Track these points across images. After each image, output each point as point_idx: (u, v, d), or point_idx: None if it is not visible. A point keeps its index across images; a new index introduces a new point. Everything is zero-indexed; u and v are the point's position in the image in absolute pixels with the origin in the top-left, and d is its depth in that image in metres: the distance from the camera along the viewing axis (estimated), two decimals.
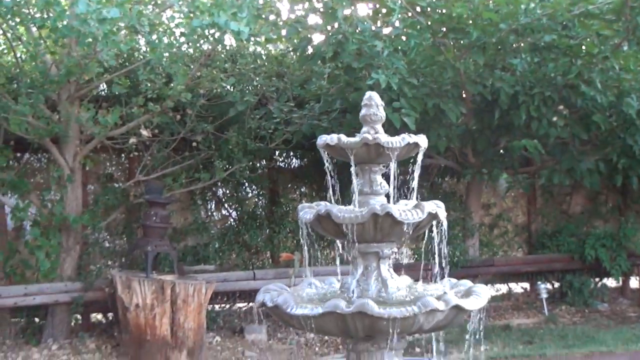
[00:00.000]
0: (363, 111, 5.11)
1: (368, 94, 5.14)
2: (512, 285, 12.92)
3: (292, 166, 12.10)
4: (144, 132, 9.39)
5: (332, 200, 4.97)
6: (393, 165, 4.89)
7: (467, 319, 4.81)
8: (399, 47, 8.91)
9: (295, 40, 9.58)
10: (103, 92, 10.16)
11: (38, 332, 9.72)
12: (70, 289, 9.54)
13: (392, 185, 5.01)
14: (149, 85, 9.37)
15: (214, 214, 11.65)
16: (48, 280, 9.47)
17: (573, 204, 13.20)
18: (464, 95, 9.73)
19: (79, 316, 10.33)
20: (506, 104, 9.32)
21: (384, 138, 4.86)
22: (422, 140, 4.95)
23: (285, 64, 10.75)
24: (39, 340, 9.56)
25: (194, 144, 10.20)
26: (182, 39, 9.08)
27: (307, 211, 4.93)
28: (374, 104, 5.08)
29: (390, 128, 8.25)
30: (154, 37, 8.48)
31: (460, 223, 11.72)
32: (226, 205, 11.58)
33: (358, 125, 5.22)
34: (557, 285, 12.60)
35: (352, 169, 4.94)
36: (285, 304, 4.57)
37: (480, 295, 4.87)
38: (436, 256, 4.97)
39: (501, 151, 10.91)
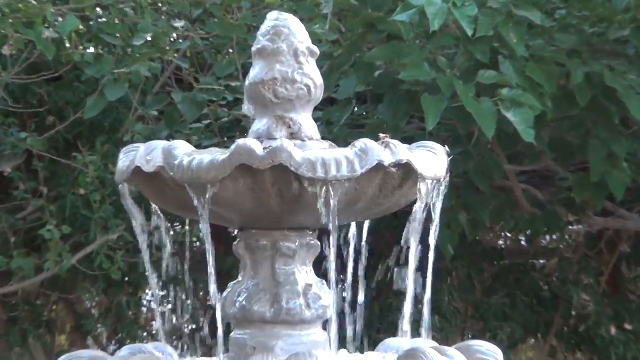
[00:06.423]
0: (254, 72, 1.98)
1: (272, 19, 1.98)
2: None
3: None
4: None
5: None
6: (334, 235, 1.78)
7: None
8: None
9: None
10: None
11: None
12: None
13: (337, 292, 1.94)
14: None
15: None
16: None
17: None
18: None
19: None
20: None
21: (300, 154, 1.71)
22: (426, 163, 1.81)
23: None
24: None
25: None
26: None
27: None
28: (283, 49, 1.94)
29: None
30: None
31: None
32: None
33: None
34: None
35: (207, 249, 1.83)
36: None
37: None
38: None
39: None
